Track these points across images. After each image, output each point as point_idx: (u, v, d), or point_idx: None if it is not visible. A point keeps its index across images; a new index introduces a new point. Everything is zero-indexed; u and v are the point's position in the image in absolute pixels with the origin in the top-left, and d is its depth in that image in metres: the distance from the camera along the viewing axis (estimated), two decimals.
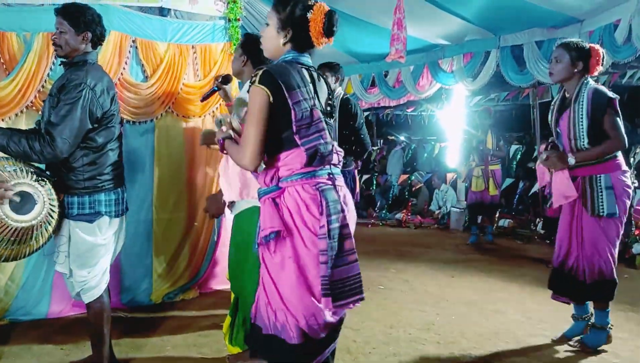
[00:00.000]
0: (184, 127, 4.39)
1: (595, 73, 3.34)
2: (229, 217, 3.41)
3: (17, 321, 3.68)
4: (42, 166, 2.75)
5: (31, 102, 3.74)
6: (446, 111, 10.30)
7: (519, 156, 10.61)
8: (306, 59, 2.18)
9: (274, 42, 2.17)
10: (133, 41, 4.12)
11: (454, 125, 9.69)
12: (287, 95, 2.02)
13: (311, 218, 2.03)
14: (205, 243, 4.59)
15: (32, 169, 2.59)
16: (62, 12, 2.73)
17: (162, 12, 4.37)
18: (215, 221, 4.59)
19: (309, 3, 2.11)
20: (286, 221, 2.04)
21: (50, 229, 2.61)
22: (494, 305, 4.38)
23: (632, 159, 8.03)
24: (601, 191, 3.25)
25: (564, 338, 3.55)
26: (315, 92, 2.15)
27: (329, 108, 2.24)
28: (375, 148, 12.98)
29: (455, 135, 9.63)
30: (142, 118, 4.16)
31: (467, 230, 8.58)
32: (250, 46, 3.17)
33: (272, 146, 2.09)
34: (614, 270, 3.30)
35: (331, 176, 2.11)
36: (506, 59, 6.63)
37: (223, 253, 4.51)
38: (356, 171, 4.93)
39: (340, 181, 2.16)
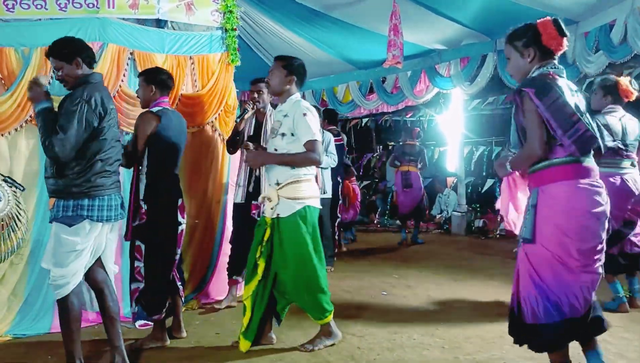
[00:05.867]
0: None
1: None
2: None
3: (20, 336, 3.67)
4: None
5: (30, 116, 3.74)
6: (445, 116, 10.32)
7: None
8: None
9: None
10: (131, 53, 4.14)
11: (453, 129, 9.70)
12: None
13: None
14: (207, 254, 4.59)
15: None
16: (50, 52, 2.95)
17: (160, 23, 4.40)
18: (217, 230, 4.59)
19: None
20: None
21: (18, 234, 2.89)
22: (498, 309, 4.35)
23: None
24: (527, 210, 2.53)
25: None
26: None
27: None
28: (375, 155, 13.00)
29: (454, 139, 9.63)
30: None
31: (470, 234, 8.59)
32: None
33: None
34: (537, 314, 2.44)
35: None
36: (504, 62, 6.64)
37: (224, 263, 4.51)
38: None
39: None
